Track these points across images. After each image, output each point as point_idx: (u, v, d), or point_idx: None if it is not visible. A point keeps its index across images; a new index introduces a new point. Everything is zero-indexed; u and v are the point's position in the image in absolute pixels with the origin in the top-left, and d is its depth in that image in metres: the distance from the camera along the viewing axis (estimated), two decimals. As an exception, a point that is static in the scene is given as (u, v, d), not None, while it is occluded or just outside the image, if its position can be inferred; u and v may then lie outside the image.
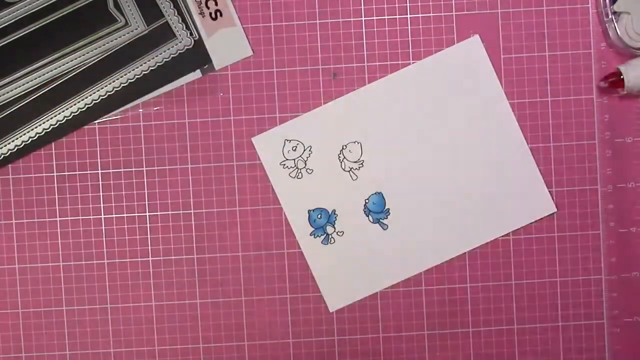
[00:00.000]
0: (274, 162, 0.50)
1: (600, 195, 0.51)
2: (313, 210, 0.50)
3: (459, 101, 0.50)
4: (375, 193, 0.51)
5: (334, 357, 0.51)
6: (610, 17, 0.50)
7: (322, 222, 0.50)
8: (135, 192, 0.50)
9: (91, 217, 0.50)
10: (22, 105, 0.50)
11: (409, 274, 0.50)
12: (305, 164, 0.50)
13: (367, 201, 0.51)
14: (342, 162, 0.50)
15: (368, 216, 0.51)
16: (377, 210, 0.50)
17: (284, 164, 0.50)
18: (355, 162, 0.50)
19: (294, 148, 0.50)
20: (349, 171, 0.50)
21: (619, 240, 0.51)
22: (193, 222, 0.51)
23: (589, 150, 0.51)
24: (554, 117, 0.51)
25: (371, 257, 0.50)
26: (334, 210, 0.50)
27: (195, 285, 0.51)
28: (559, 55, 0.51)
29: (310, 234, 0.51)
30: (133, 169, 0.50)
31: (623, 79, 0.49)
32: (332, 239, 0.51)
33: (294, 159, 0.50)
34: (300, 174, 0.50)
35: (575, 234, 0.51)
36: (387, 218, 0.50)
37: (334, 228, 0.51)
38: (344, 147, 0.50)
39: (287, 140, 0.50)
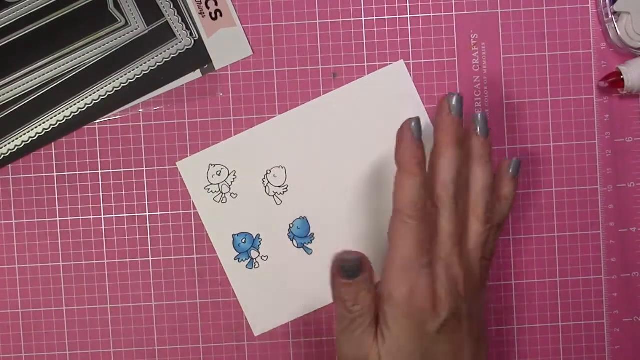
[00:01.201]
0: (198, 186, 0.50)
1: (600, 195, 0.51)
2: (237, 234, 0.50)
3: (383, 126, 0.50)
4: (300, 218, 0.50)
5: (334, 357, 0.51)
6: (610, 17, 0.50)
7: (247, 246, 0.50)
8: (135, 192, 0.50)
9: (91, 217, 0.50)
10: (22, 105, 0.50)
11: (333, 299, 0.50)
12: (230, 189, 0.50)
13: (291, 226, 0.50)
14: (267, 187, 0.50)
15: (292, 241, 0.50)
16: (301, 235, 0.50)
17: (209, 189, 0.50)
18: (279, 186, 0.50)
19: (218, 172, 0.50)
20: (273, 196, 0.50)
21: (619, 240, 0.51)
22: (193, 222, 0.51)
23: (589, 150, 0.51)
24: (554, 117, 0.51)
25: (295, 282, 0.50)
26: (258, 235, 0.50)
27: (195, 285, 0.51)
28: (559, 55, 0.51)
29: (235, 259, 0.50)
30: (133, 169, 0.50)
31: (623, 79, 0.49)
32: (256, 264, 0.50)
33: (219, 184, 0.50)
34: (224, 199, 0.50)
35: (575, 234, 0.51)
36: (311, 243, 0.50)
37: (259, 252, 0.50)
38: (269, 171, 0.50)
39: (212, 165, 0.50)
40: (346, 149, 0.50)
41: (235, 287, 0.51)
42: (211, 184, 0.50)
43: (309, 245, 0.50)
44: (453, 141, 0.45)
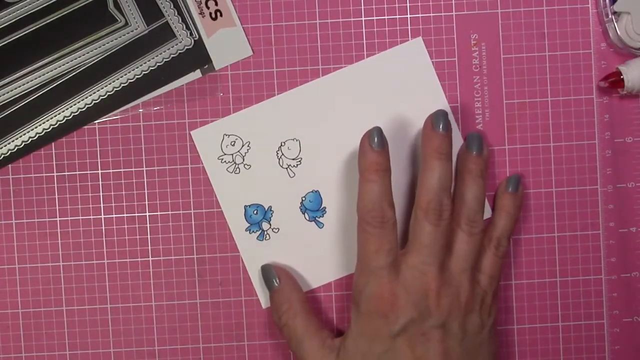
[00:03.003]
0: (212, 156, 0.50)
1: (600, 195, 0.51)
2: (249, 205, 0.50)
3: (399, 102, 0.50)
4: (312, 191, 0.50)
5: (334, 357, 0.51)
6: (610, 17, 0.50)
7: (258, 218, 0.50)
8: (135, 192, 0.50)
9: (91, 217, 0.50)
10: (22, 105, 0.50)
11: (343, 274, 0.50)
12: (243, 159, 0.50)
13: (303, 199, 0.50)
14: (280, 159, 0.50)
15: (304, 214, 0.51)
16: (313, 208, 0.50)
17: (222, 159, 0.50)
18: (293, 159, 0.50)
19: (232, 143, 0.50)
20: (286, 168, 0.50)
21: (619, 240, 0.51)
22: (193, 222, 0.51)
23: (589, 150, 0.51)
24: (554, 117, 0.51)
25: (306, 255, 0.51)
26: (270, 207, 0.50)
27: (195, 285, 0.51)
28: (559, 55, 0.51)
29: (246, 230, 0.50)
30: (133, 169, 0.50)
31: (623, 79, 0.49)
32: (267, 235, 0.50)
33: (232, 154, 0.50)
34: (237, 169, 0.50)
35: (575, 234, 0.51)
36: (323, 216, 0.50)
37: (270, 224, 0.50)
38: (283, 144, 0.50)
39: (226, 135, 0.50)
40: (361, 124, 0.50)
41: (245, 258, 0.51)
42: (225, 154, 0.50)
43: (320, 219, 0.50)
44: (435, 154, 0.46)
